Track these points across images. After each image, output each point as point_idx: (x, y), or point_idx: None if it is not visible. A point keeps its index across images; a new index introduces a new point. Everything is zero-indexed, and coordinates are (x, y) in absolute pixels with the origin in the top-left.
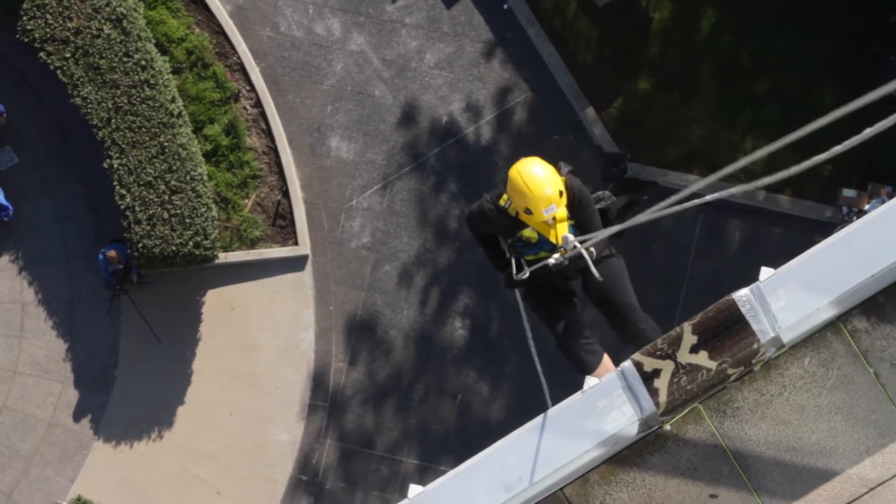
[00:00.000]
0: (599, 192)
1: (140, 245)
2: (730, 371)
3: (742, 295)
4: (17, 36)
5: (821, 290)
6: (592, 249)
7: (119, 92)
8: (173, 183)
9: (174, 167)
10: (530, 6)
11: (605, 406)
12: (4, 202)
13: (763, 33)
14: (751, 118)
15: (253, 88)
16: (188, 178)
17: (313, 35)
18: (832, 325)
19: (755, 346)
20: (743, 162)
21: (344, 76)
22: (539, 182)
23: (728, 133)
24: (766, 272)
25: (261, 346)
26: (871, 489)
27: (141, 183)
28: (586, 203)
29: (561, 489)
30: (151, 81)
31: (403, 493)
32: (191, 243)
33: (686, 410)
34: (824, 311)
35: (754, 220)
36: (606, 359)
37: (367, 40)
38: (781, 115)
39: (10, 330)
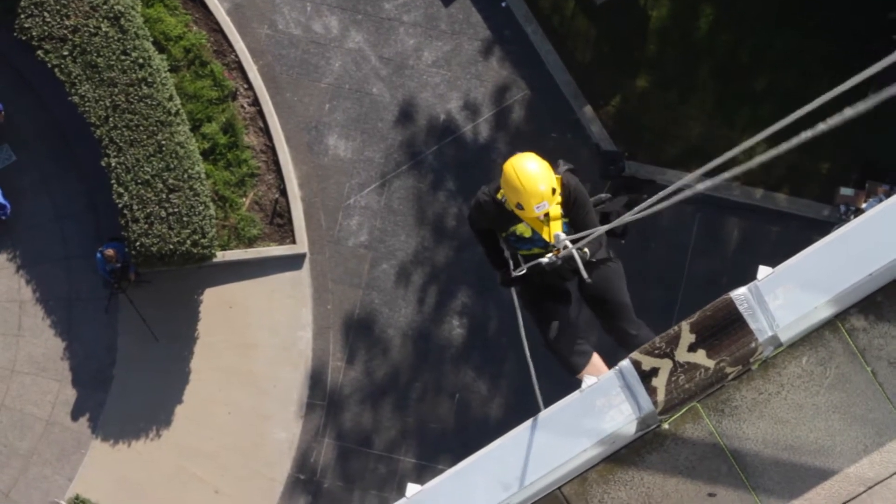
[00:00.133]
0: (601, 195)
1: (138, 243)
2: (728, 370)
3: (740, 294)
4: (15, 34)
5: (818, 289)
6: (586, 250)
7: (117, 90)
8: (171, 181)
9: (172, 165)
10: (528, 4)
11: (604, 405)
12: (3, 201)
13: (761, 31)
14: (749, 116)
15: (251, 86)
16: (186, 176)
17: (311, 33)
18: (830, 324)
19: (753, 344)
20: (725, 157)
21: (342, 74)
22: (532, 178)
23: (726, 131)
24: (763, 271)
25: (259, 344)
26: (869, 488)
27: (139, 181)
28: (582, 202)
29: (559, 488)
30: (149, 79)
31: (401, 491)
32: (188, 242)
33: (684, 409)
34: (822, 310)
35: (752, 219)
36: (596, 359)
37: (364, 38)
38: (779, 112)
39: (8, 328)
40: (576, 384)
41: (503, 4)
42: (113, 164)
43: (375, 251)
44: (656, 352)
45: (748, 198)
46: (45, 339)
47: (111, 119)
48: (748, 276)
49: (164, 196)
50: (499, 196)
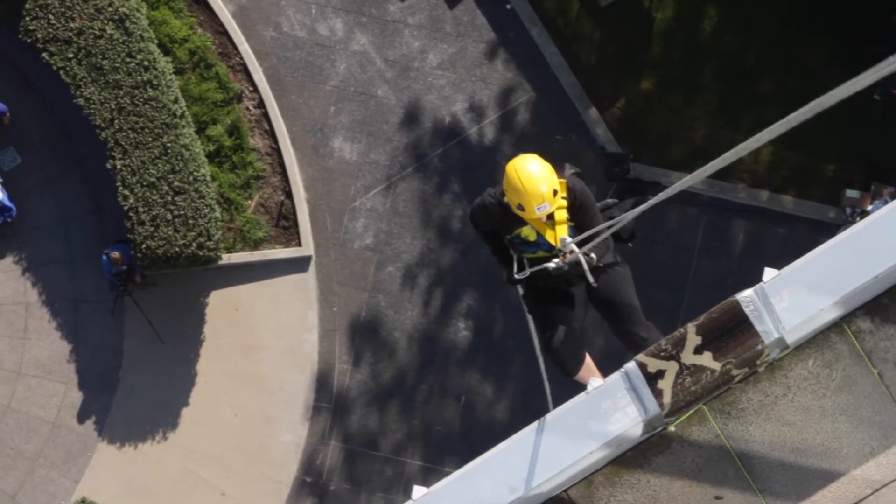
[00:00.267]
0: (608, 200)
1: (143, 246)
2: (734, 372)
3: (746, 296)
4: (20, 36)
5: (825, 291)
6: (593, 255)
7: (122, 92)
8: (176, 184)
9: (177, 168)
10: (533, 6)
11: (609, 407)
12: (8, 203)
13: (765, 33)
14: (753, 118)
15: (256, 89)
16: (191, 178)
17: (316, 35)
18: (836, 326)
19: (759, 347)
20: (724, 158)
21: (347, 76)
22: (533, 179)
23: (731, 133)
24: (769, 273)
25: (264, 347)
26: (876, 490)
27: (144, 184)
28: (587, 206)
29: (565, 491)
30: (154, 82)
31: (407, 494)
32: (194, 244)
33: (690, 412)
34: (828, 312)
35: (758, 221)
36: (589, 360)
37: (369, 40)
38: (784, 114)
39: (14, 331)
40: (581, 386)
41: (508, 6)
42: (118, 167)
43: (381, 254)
44: (662, 354)
45: (754, 200)
46: (51, 342)
47: (116, 121)
48: (754, 279)
49: (169, 198)
50: (505, 198)
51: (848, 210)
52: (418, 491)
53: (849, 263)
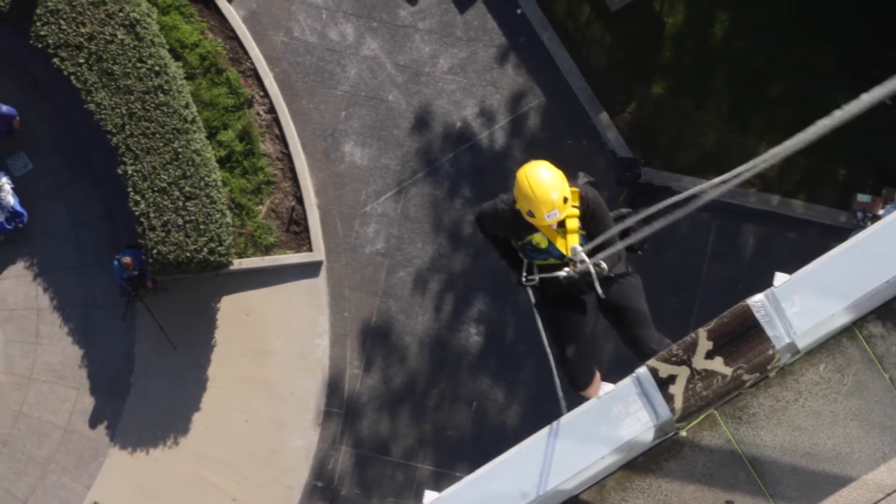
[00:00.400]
0: (621, 210)
1: (155, 251)
2: (745, 377)
3: (757, 300)
4: (31, 41)
5: (836, 296)
6: (604, 265)
7: (133, 98)
8: (188, 189)
9: (188, 173)
10: (544, 11)
11: (621, 412)
12: (19, 209)
13: (776, 37)
14: (764, 122)
15: (266, 94)
16: (202, 184)
17: (327, 40)
18: (847, 331)
19: (770, 351)
20: (741, 170)
21: (357, 81)
22: (544, 185)
23: (742, 137)
24: (780, 277)
25: (276, 352)
26: (888, 495)
27: (155, 189)
28: (600, 215)
29: (577, 496)
30: (165, 87)
31: (419, 499)
32: (205, 249)
33: (702, 416)
34: (839, 317)
35: (769, 226)
36: (597, 376)
37: (380, 45)
38: (795, 118)
39: (26, 336)
40: None
41: (519, 11)
42: (129, 172)
43: (392, 259)
44: (673, 359)
45: (765, 204)
46: (63, 347)
47: (127, 127)
48: (765, 283)
49: (180, 204)
50: (516, 205)
51: (859, 214)
52: (429, 496)
53: (860, 268)
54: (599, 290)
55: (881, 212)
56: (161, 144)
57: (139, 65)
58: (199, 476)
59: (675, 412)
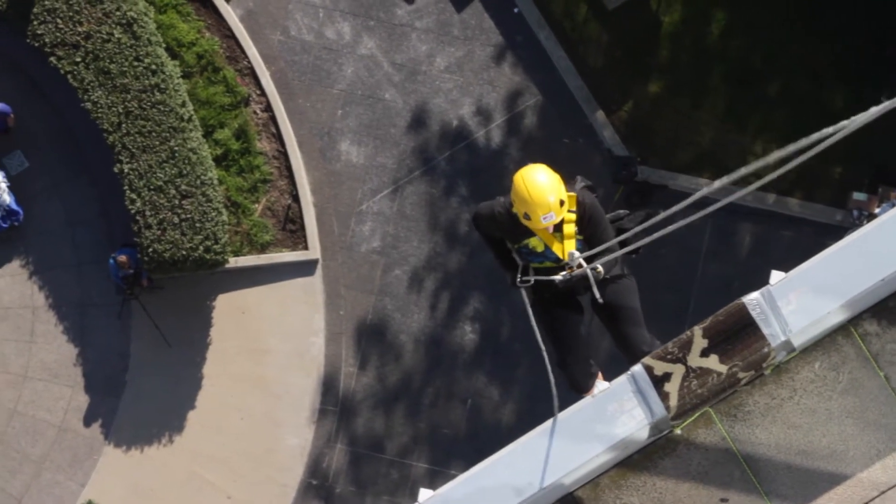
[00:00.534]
0: (619, 211)
1: (150, 250)
2: (740, 375)
3: (752, 298)
4: (28, 40)
5: (831, 294)
6: (600, 268)
7: (129, 96)
8: (184, 187)
9: (184, 172)
10: (540, 10)
11: (616, 410)
12: (15, 207)
13: (773, 36)
14: (761, 121)
15: (263, 92)
16: (198, 182)
17: (324, 39)
18: (843, 329)
19: (766, 349)
20: (741, 172)
21: (354, 80)
22: (540, 188)
23: (738, 136)
24: (776, 276)
25: (271, 350)
26: (882, 493)
27: (151, 187)
28: (597, 219)
29: (571, 493)
30: (162, 86)
31: (414, 497)
32: (201, 248)
33: (697, 414)
34: (835, 315)
35: (764, 224)
36: (600, 377)
37: (377, 44)
38: (792, 117)
39: (21, 334)
40: None
41: (515, 10)
42: (125, 171)
43: (388, 257)
44: (669, 357)
45: (761, 202)
46: (58, 345)
47: (124, 125)
48: (761, 281)
49: (176, 202)
50: (513, 208)
51: (855, 213)
52: (424, 494)
53: (855, 266)
54: (598, 295)
55: (877, 210)
56: (157, 143)
57: (136, 63)
58: (195, 474)
59: (670, 410)
